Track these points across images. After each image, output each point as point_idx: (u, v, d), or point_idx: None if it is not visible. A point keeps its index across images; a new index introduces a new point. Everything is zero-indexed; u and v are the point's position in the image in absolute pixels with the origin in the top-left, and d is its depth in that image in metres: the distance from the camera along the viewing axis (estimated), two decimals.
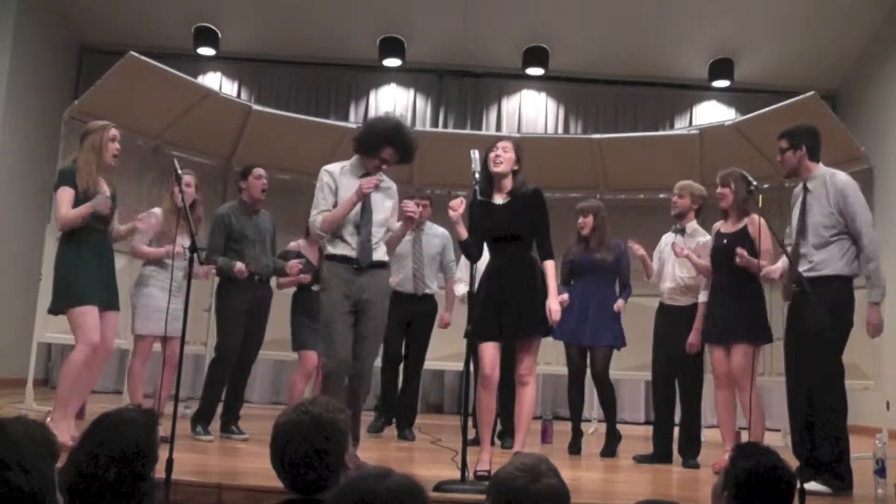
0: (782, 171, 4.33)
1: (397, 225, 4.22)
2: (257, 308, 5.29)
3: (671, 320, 5.14)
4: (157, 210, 5.01)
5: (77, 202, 4.17)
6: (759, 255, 4.59)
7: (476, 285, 3.78)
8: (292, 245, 5.71)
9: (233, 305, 5.17)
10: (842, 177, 4.11)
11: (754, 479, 1.97)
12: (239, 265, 5.08)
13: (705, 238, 5.10)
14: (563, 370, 5.81)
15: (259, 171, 5.41)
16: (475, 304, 3.84)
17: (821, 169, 4.16)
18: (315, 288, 5.60)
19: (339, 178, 4.12)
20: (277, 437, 1.98)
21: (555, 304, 3.94)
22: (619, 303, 5.42)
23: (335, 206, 4.07)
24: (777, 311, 6.36)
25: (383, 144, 4.11)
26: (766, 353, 6.21)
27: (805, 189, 4.19)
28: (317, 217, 4.08)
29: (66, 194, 4.17)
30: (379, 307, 4.10)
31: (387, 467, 1.60)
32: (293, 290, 5.74)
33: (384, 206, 4.19)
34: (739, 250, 4.49)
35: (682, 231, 5.25)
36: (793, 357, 4.17)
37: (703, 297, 5.04)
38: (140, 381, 4.92)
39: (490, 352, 3.96)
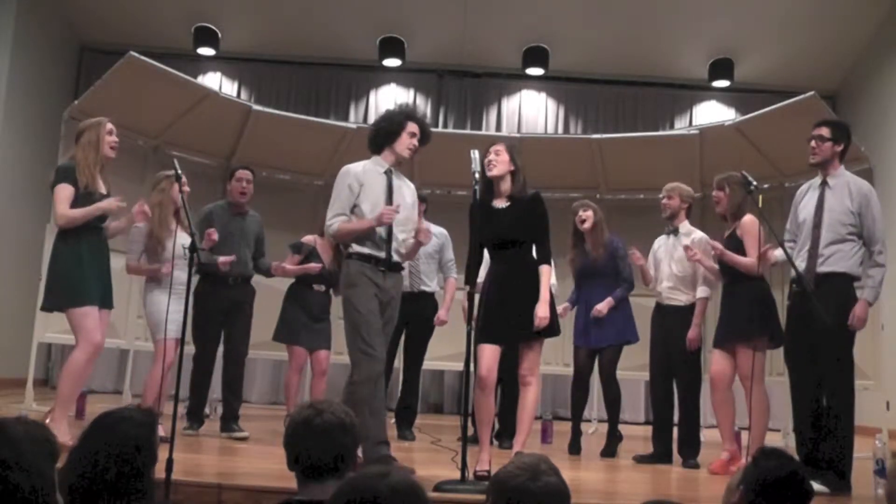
0: (810, 158, 4.22)
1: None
2: (234, 308, 5.33)
3: (668, 320, 5.14)
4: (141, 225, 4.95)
5: (77, 199, 4.16)
6: (747, 254, 4.61)
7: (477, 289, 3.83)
8: (308, 238, 5.67)
9: (207, 311, 5.22)
10: (867, 183, 4.20)
11: (776, 481, 1.99)
12: (223, 258, 5.11)
13: (699, 235, 5.13)
14: (563, 370, 5.82)
15: (241, 173, 5.45)
16: (480, 308, 3.89)
17: (844, 170, 4.21)
18: (317, 287, 5.59)
19: (362, 177, 4.00)
20: (300, 425, 2.06)
21: (542, 310, 3.92)
22: (606, 302, 5.31)
23: (354, 209, 3.99)
24: (777, 310, 6.37)
25: (405, 120, 4.08)
26: (766, 353, 6.21)
27: (825, 185, 4.19)
28: (334, 221, 3.97)
29: (65, 191, 4.15)
30: (397, 309, 4.11)
31: (389, 466, 1.61)
32: (290, 282, 5.71)
33: (406, 203, 4.13)
34: (713, 243, 4.66)
35: (674, 232, 5.26)
36: (798, 356, 4.16)
37: (701, 293, 5.05)
38: (161, 386, 4.68)
39: (488, 354, 3.95)
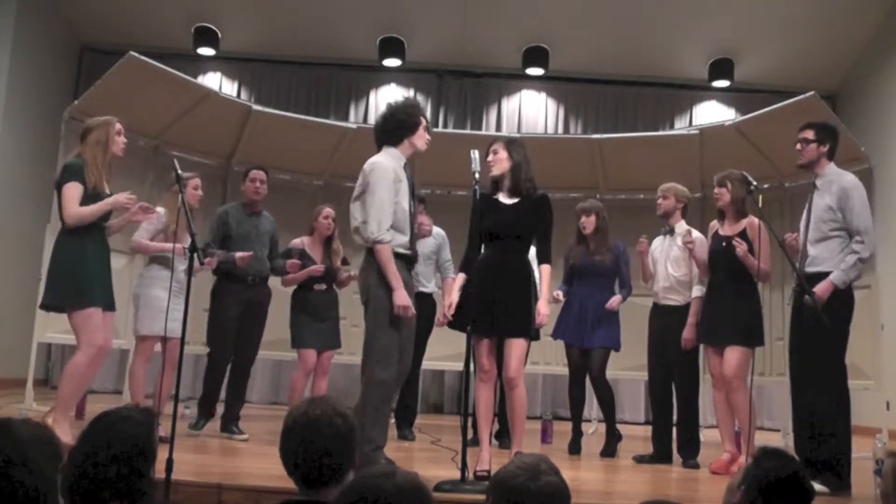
0: (797, 160, 4.29)
1: None
2: (253, 308, 5.33)
3: (666, 320, 5.14)
4: (160, 209, 5.01)
5: (85, 198, 4.14)
6: (757, 257, 4.61)
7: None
8: (296, 242, 5.68)
9: (225, 310, 5.25)
10: (849, 177, 4.17)
11: (777, 481, 1.99)
12: (240, 254, 5.13)
13: (696, 234, 5.12)
14: (564, 370, 5.81)
15: (254, 173, 5.46)
16: (468, 299, 3.87)
17: (831, 168, 4.22)
18: (318, 287, 5.59)
19: (398, 173, 3.87)
20: (296, 430, 1.99)
21: (544, 307, 3.94)
22: (616, 298, 5.40)
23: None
24: (777, 311, 6.38)
25: (419, 115, 4.01)
26: (766, 353, 6.22)
27: (814, 186, 4.24)
28: (385, 235, 3.73)
29: (75, 190, 4.12)
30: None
31: (392, 466, 1.61)
32: (293, 287, 5.72)
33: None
34: (738, 241, 4.57)
35: (670, 231, 5.27)
36: (795, 356, 4.18)
37: (696, 293, 5.06)
38: (142, 382, 4.92)
39: (485, 346, 3.99)
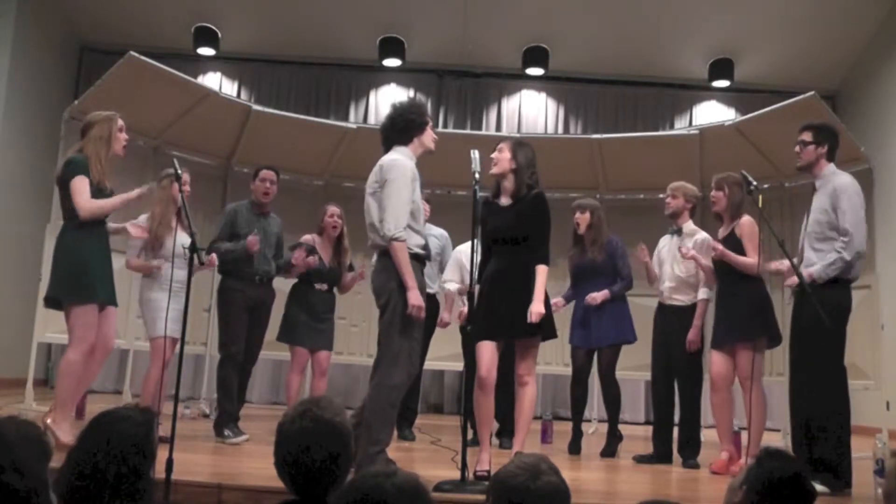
0: (796, 162, 4.30)
1: None
2: (258, 308, 5.31)
3: (670, 320, 5.14)
4: (141, 217, 4.94)
5: (90, 194, 4.12)
6: (746, 255, 4.61)
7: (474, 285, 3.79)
8: (306, 238, 5.64)
9: (234, 304, 5.20)
10: (844, 177, 4.17)
11: (779, 481, 1.98)
12: (251, 237, 5.06)
13: (703, 236, 5.11)
14: (563, 370, 5.81)
15: (265, 173, 5.41)
16: (476, 304, 3.86)
17: (830, 168, 4.22)
18: (319, 286, 5.58)
19: (415, 172, 3.84)
20: (287, 443, 1.93)
21: (536, 306, 3.91)
22: (600, 294, 5.31)
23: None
24: (776, 311, 6.37)
25: (425, 114, 3.99)
26: (766, 353, 6.21)
27: (814, 189, 4.25)
28: (402, 233, 3.70)
29: (83, 183, 4.08)
30: None
31: (392, 466, 1.61)
32: (292, 282, 5.71)
33: None
34: (713, 243, 4.64)
35: (678, 232, 5.25)
36: (794, 356, 4.19)
37: (702, 295, 5.05)
38: (158, 386, 4.69)
39: (487, 352, 3.94)
